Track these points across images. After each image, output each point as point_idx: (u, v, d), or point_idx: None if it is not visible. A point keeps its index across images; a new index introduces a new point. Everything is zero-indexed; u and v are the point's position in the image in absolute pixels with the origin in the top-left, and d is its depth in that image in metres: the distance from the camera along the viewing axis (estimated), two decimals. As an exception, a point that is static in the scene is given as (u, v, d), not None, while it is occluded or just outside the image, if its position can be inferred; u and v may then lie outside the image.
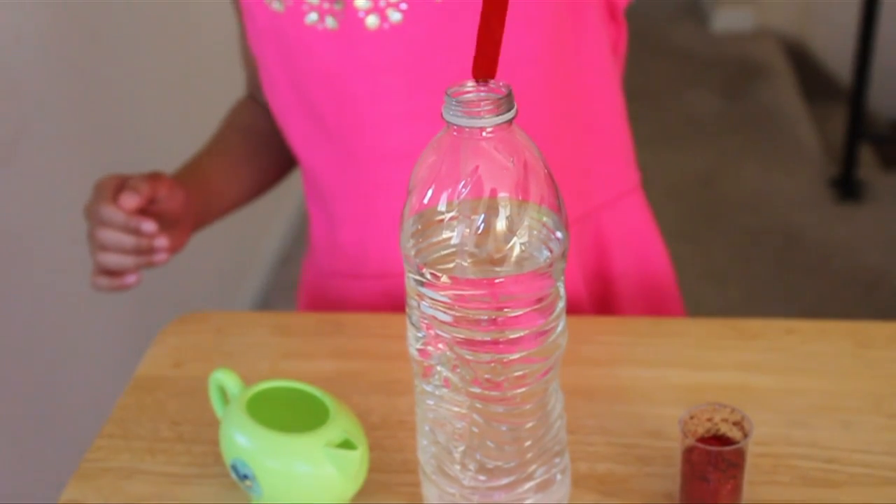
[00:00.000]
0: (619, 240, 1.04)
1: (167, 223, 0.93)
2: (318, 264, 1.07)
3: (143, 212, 0.90)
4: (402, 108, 0.91)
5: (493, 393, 0.66)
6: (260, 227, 2.60)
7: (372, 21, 0.87)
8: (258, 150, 1.07)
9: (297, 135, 0.98)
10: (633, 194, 1.06)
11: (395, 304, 1.00)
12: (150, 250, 0.89)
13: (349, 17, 0.88)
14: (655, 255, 1.08)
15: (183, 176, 1.01)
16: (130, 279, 0.91)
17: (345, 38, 0.89)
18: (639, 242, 1.06)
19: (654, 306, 1.07)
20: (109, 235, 0.88)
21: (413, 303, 0.66)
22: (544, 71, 0.92)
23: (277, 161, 1.08)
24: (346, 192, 0.98)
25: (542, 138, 0.94)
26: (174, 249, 0.96)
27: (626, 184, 1.05)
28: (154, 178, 0.92)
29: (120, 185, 0.90)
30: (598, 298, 1.04)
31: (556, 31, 0.91)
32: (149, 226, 0.87)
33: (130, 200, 0.87)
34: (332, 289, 1.06)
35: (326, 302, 1.06)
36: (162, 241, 0.89)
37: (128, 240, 0.88)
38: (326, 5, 0.88)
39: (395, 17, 0.87)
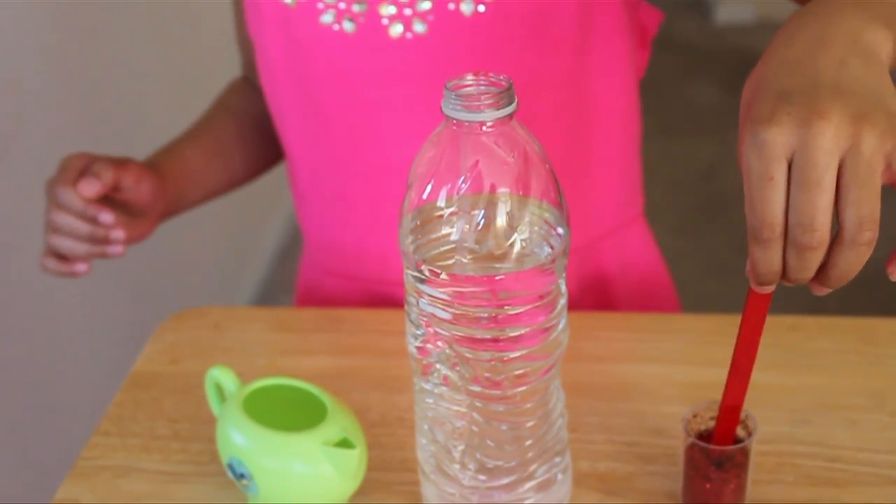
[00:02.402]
0: (620, 270, 1.01)
1: (132, 212, 0.91)
2: (316, 261, 1.05)
3: (107, 199, 0.88)
4: (416, 121, 0.88)
5: (494, 391, 0.65)
6: (259, 221, 2.60)
7: (395, 30, 0.85)
8: (249, 134, 1.05)
9: (296, 132, 0.95)
10: (635, 222, 1.04)
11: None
12: (105, 241, 0.86)
13: (371, 22, 0.85)
14: (657, 283, 1.06)
15: (159, 159, 0.98)
16: (81, 267, 0.89)
17: (363, 43, 0.86)
18: (640, 272, 1.04)
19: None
20: (64, 219, 0.85)
21: (412, 300, 0.65)
22: (563, 97, 0.90)
23: (269, 148, 1.06)
24: (348, 196, 0.96)
25: (554, 163, 0.93)
26: (137, 239, 0.93)
27: (631, 213, 1.03)
28: (121, 164, 0.89)
29: (85, 167, 0.87)
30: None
31: (578, 57, 0.89)
32: (106, 217, 0.85)
33: (90, 188, 0.85)
34: (328, 287, 1.04)
35: (323, 299, 1.05)
36: (118, 234, 0.86)
37: (83, 227, 0.85)
38: (343, 6, 0.85)
39: (419, 27, 0.85)
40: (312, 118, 0.93)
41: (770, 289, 0.59)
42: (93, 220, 0.86)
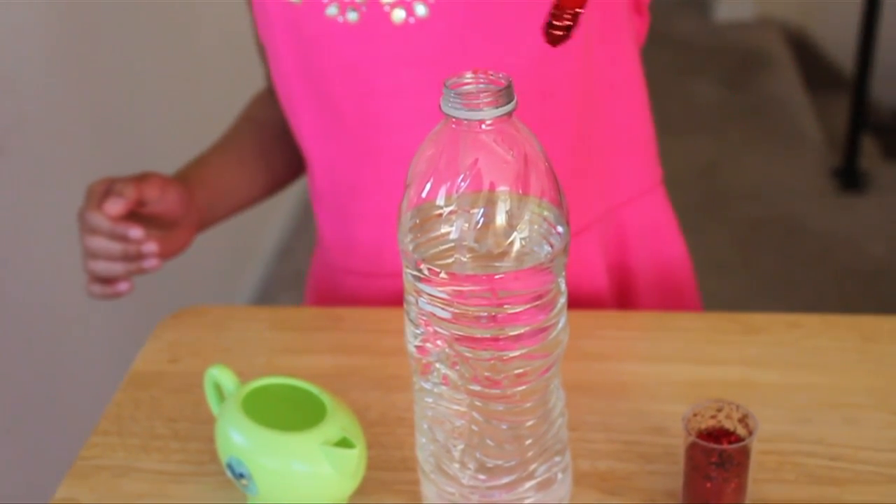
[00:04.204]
0: (639, 236, 1.02)
1: (164, 225, 0.92)
2: (329, 261, 1.05)
3: (136, 215, 0.89)
4: (425, 105, 0.88)
5: (493, 391, 0.65)
6: (260, 219, 2.59)
7: (398, 15, 0.85)
8: (274, 144, 1.05)
9: (310, 129, 0.96)
10: (655, 191, 1.04)
11: None
12: (139, 256, 0.87)
13: (373, 10, 0.86)
14: (674, 252, 1.06)
15: (188, 172, 0.99)
16: (123, 286, 0.90)
17: (367, 31, 0.87)
18: (658, 239, 1.04)
19: (670, 301, 1.05)
20: (97, 243, 0.87)
21: (411, 299, 0.65)
22: (574, 67, 0.90)
23: (296, 156, 1.06)
24: (363, 189, 0.96)
25: (570, 136, 0.92)
26: (177, 251, 0.94)
27: (649, 180, 1.03)
28: (142, 179, 0.90)
29: (107, 189, 0.88)
30: (617, 292, 1.03)
31: (585, 27, 0.89)
32: (136, 232, 0.86)
33: (114, 207, 0.86)
34: (344, 286, 1.03)
35: (338, 299, 1.04)
36: (151, 247, 0.87)
37: (115, 247, 0.87)
38: None
39: (421, 11, 0.85)
40: (325, 113, 0.93)
41: None
42: (123, 238, 0.86)
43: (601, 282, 0.99)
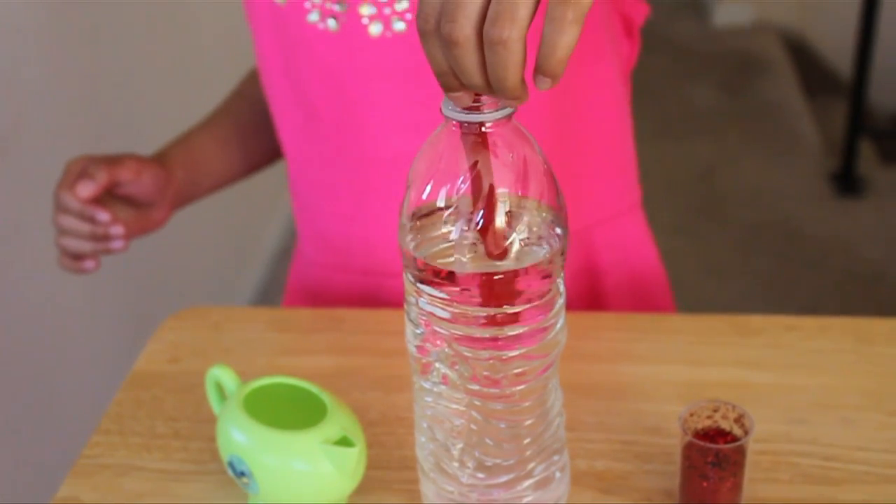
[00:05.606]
0: (610, 253, 1.02)
1: (138, 204, 0.95)
2: (306, 253, 1.07)
3: (110, 194, 0.93)
4: (399, 117, 0.90)
5: (492, 390, 0.65)
6: (259, 221, 2.60)
7: (375, 29, 0.86)
8: (263, 120, 1.07)
9: (288, 124, 0.98)
10: (630, 213, 1.04)
11: (377, 303, 0.99)
12: (107, 238, 0.92)
13: (351, 21, 0.87)
14: (647, 267, 1.06)
15: (169, 149, 1.01)
16: (89, 264, 0.94)
17: (345, 41, 0.88)
18: (631, 257, 1.04)
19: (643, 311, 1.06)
20: (67, 221, 0.91)
21: (411, 299, 0.66)
22: (548, 90, 0.90)
23: (272, 143, 1.07)
24: (335, 189, 0.97)
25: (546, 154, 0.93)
26: (152, 228, 0.98)
27: (625, 203, 1.03)
28: (116, 162, 0.93)
29: (84, 169, 0.92)
30: (586, 297, 1.03)
31: None
32: (103, 216, 0.90)
33: (85, 190, 0.89)
34: (316, 278, 1.05)
35: (311, 292, 1.06)
36: (117, 230, 0.91)
37: (83, 227, 0.91)
38: (329, 5, 0.87)
39: (398, 26, 0.86)
40: (302, 112, 0.95)
41: (459, 97, 0.58)
42: (91, 220, 0.90)
43: (568, 298, 0.99)
